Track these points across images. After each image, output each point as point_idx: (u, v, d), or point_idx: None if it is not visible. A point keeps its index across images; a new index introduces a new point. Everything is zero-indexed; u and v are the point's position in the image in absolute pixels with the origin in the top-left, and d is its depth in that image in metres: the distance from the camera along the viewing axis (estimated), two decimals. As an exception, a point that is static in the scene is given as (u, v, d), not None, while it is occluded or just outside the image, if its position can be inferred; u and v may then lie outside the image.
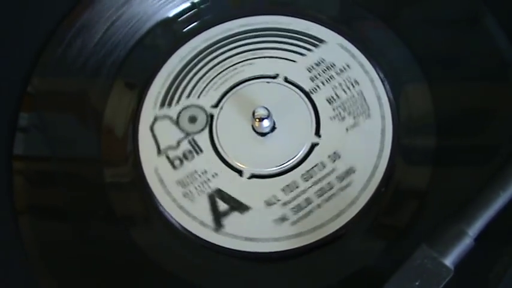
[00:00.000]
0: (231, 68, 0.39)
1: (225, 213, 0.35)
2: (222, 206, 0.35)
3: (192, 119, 0.37)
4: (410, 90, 0.37)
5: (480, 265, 0.31)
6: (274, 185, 0.36)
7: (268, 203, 0.35)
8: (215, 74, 0.39)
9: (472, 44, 0.37)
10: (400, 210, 0.34)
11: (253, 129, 0.37)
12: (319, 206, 0.35)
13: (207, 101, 0.38)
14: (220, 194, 0.36)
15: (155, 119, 0.37)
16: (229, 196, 0.35)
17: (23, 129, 0.38)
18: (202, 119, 0.37)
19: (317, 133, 0.37)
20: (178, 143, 0.37)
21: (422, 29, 0.38)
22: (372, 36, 0.39)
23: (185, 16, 0.41)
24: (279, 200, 0.35)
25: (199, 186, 0.36)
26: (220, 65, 0.39)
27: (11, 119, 0.38)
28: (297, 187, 0.36)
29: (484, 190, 0.30)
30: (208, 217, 0.35)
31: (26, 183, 0.36)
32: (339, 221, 0.34)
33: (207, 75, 0.39)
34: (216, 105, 0.38)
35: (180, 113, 0.38)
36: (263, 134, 0.37)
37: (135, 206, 0.36)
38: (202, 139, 0.37)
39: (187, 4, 0.41)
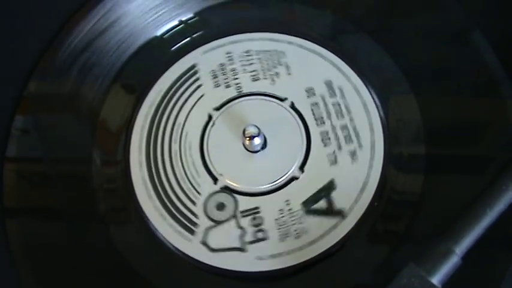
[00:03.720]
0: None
1: (330, 203, 0.35)
2: (321, 204, 0.35)
3: (220, 207, 0.36)
4: (399, 103, 0.37)
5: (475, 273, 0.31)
6: (317, 153, 0.36)
7: (333, 162, 0.36)
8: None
9: (460, 58, 0.38)
10: (394, 222, 0.35)
11: (245, 148, 0.36)
12: (351, 119, 0.37)
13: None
14: (308, 203, 0.35)
15: (205, 243, 0.35)
16: (313, 195, 0.35)
17: (18, 130, 0.39)
18: (229, 203, 0.36)
19: (281, 99, 0.38)
20: (240, 227, 0.35)
21: (411, 43, 0.39)
22: (361, 51, 0.39)
23: (173, 33, 0.41)
24: (334, 152, 0.36)
25: (293, 220, 0.35)
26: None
27: (7, 121, 0.39)
28: (327, 132, 0.37)
29: (472, 208, 0.30)
30: (329, 220, 0.35)
31: (17, 184, 0.37)
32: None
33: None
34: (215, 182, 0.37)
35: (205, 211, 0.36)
36: (256, 151, 0.36)
37: (123, 210, 0.37)
38: (243, 203, 0.36)
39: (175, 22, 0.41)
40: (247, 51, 0.39)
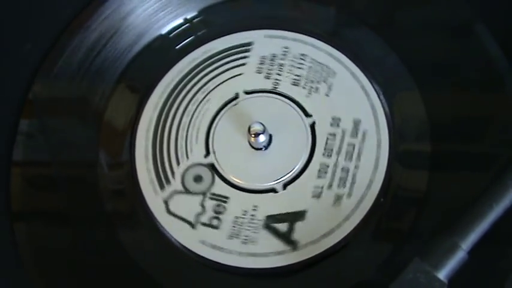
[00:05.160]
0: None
1: (290, 231, 0.34)
2: (282, 226, 0.34)
3: (198, 179, 0.36)
4: (404, 98, 0.37)
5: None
6: (307, 179, 0.35)
7: (316, 195, 0.35)
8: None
9: (464, 52, 0.38)
10: (399, 219, 0.35)
11: (250, 145, 0.36)
12: (356, 166, 0.35)
13: (197, 155, 0.37)
14: (272, 219, 0.35)
15: (166, 202, 0.36)
16: (281, 214, 0.35)
17: (24, 134, 0.38)
18: (206, 174, 0.36)
19: (306, 115, 0.37)
20: (203, 206, 0.35)
21: (415, 37, 0.39)
22: (365, 46, 0.39)
23: (178, 31, 0.41)
24: (322, 187, 0.35)
25: (249, 227, 0.35)
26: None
27: (12, 124, 0.39)
28: (327, 166, 0.36)
29: (477, 203, 0.30)
30: (280, 244, 0.34)
31: (24, 188, 0.37)
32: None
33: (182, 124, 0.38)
34: (207, 154, 0.37)
35: (183, 180, 0.36)
36: (261, 148, 0.36)
37: (131, 211, 0.36)
38: (219, 187, 0.36)
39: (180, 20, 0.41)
40: (303, 55, 0.39)
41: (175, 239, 0.35)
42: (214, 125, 0.37)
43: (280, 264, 0.34)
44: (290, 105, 0.37)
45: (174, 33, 0.41)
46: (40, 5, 0.41)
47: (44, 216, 0.37)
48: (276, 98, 0.37)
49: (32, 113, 0.39)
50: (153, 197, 0.36)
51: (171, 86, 0.39)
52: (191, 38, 0.40)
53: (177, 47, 0.40)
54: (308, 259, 0.33)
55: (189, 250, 0.34)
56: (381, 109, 0.36)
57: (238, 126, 0.37)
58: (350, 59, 0.38)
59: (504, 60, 0.37)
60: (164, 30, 0.41)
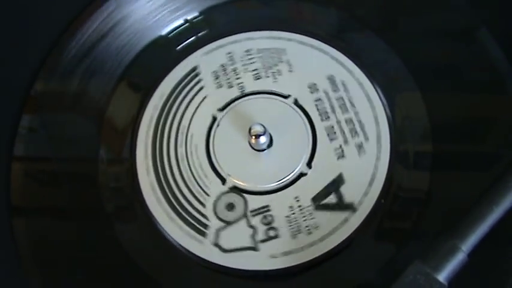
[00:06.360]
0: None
1: (340, 197, 0.35)
2: (331, 199, 0.35)
3: (230, 207, 0.36)
4: (405, 101, 0.37)
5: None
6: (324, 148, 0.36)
7: (340, 156, 0.36)
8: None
9: (466, 55, 0.38)
10: (400, 219, 0.35)
11: (251, 146, 0.36)
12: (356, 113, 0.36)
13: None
14: (318, 198, 0.35)
15: (217, 244, 0.35)
16: (323, 189, 0.35)
17: (25, 129, 0.39)
18: (239, 202, 0.36)
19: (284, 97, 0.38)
20: (251, 226, 0.35)
21: (417, 40, 0.39)
22: (367, 48, 0.39)
23: (179, 32, 0.41)
24: (340, 146, 0.36)
25: (304, 216, 0.35)
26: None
27: (14, 120, 0.39)
28: (332, 127, 0.37)
29: (478, 205, 0.30)
30: (339, 214, 0.35)
31: (24, 183, 0.38)
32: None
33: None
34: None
35: (217, 212, 0.36)
36: (262, 150, 0.36)
37: (130, 209, 0.37)
38: (253, 201, 0.36)
39: (181, 21, 0.41)
40: (248, 50, 0.39)
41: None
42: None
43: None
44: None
45: (175, 33, 0.41)
46: (43, 3, 0.41)
47: (44, 211, 0.37)
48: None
49: (34, 108, 0.39)
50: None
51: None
52: (192, 38, 0.40)
53: (178, 47, 0.40)
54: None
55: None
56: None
57: (238, 128, 0.37)
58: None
59: (506, 62, 0.37)
60: (164, 31, 0.41)
